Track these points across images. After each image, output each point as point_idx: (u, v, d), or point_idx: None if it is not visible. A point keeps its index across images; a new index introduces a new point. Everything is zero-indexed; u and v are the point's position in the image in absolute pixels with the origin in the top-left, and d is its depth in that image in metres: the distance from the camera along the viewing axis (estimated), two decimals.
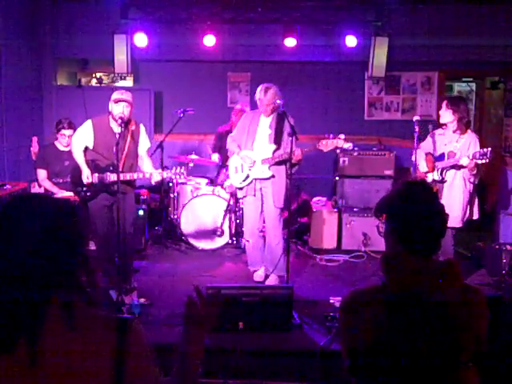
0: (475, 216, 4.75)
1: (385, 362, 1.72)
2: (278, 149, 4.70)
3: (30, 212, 1.36)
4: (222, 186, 6.00)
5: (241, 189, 4.90)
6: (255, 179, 4.78)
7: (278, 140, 4.71)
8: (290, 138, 4.37)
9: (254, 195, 4.81)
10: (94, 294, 1.38)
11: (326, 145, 4.54)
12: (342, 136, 4.53)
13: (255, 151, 4.78)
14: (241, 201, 5.86)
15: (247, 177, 4.81)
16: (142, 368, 1.36)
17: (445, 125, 4.74)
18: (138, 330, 1.37)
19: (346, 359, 1.81)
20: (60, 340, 1.29)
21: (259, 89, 4.72)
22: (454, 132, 4.67)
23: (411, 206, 1.83)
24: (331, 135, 4.57)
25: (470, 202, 4.68)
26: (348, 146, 4.59)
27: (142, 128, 4.90)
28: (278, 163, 4.68)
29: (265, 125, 4.80)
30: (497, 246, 5.05)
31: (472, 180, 4.59)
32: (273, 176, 4.71)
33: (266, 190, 4.77)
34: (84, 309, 1.34)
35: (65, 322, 1.29)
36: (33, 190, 5.69)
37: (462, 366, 1.74)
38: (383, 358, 1.71)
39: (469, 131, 4.69)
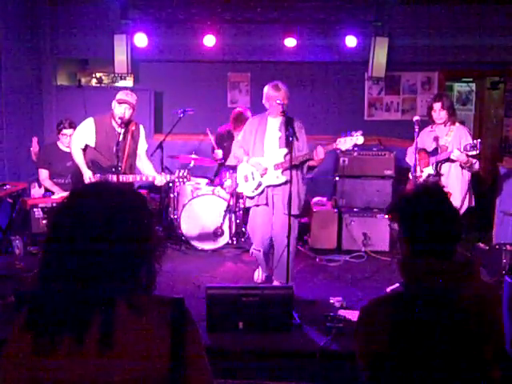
0: (472, 203, 4.84)
1: (408, 367, 1.69)
2: (289, 153, 4.33)
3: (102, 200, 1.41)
4: (221, 185, 5.99)
5: (252, 198, 4.61)
6: (267, 186, 4.52)
7: (288, 143, 4.36)
8: (291, 139, 4.25)
9: (267, 204, 4.51)
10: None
11: (345, 142, 4.31)
12: (360, 132, 4.30)
13: (266, 157, 4.52)
14: (241, 201, 5.89)
15: (259, 184, 4.52)
16: (198, 349, 1.42)
17: (433, 121, 4.83)
18: (189, 311, 1.44)
19: (366, 369, 1.76)
20: (129, 326, 1.35)
21: (267, 88, 4.45)
22: (445, 125, 4.77)
23: (427, 208, 1.80)
24: (348, 132, 4.34)
25: (469, 192, 4.75)
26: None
27: (142, 129, 4.95)
28: (291, 167, 4.32)
29: (273, 128, 4.55)
30: (497, 246, 5.05)
31: (471, 170, 4.67)
32: (286, 182, 4.38)
33: (278, 196, 4.50)
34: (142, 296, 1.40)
35: (133, 308, 1.36)
36: (33, 190, 5.69)
37: (487, 364, 1.72)
38: (406, 364, 1.69)
39: (457, 124, 4.78)
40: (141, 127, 4.94)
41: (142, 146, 4.95)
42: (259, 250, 4.69)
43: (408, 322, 1.70)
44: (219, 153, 6.25)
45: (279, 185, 4.47)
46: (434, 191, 1.91)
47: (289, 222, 4.25)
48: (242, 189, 4.72)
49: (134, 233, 1.40)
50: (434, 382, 1.70)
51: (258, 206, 4.58)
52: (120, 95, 4.71)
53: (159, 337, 1.35)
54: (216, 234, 5.82)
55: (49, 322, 1.35)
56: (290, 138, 4.26)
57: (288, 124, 4.39)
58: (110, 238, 1.36)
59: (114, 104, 4.70)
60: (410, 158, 4.92)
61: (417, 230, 1.80)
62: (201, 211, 5.86)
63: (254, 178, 4.57)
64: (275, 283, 4.66)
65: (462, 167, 4.72)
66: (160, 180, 4.81)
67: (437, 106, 4.73)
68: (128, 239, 1.38)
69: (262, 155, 4.54)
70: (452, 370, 1.69)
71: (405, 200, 1.92)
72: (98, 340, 1.32)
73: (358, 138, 4.30)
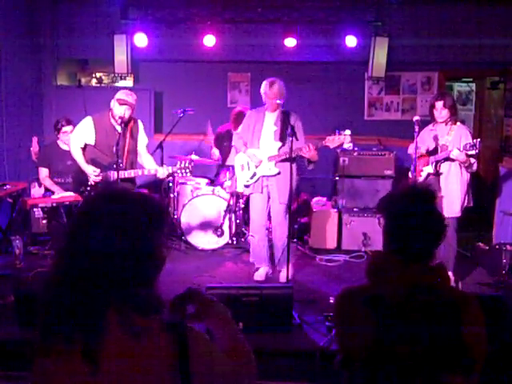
0: (470, 203, 4.85)
1: (372, 359, 1.73)
2: (283, 146, 4.72)
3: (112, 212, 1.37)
4: (221, 185, 5.99)
5: (247, 186, 4.92)
6: (262, 176, 4.81)
7: (283, 137, 4.71)
8: (290, 138, 4.43)
9: (261, 192, 4.83)
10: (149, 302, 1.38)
11: (333, 141, 4.54)
12: (348, 132, 4.54)
13: (261, 149, 4.80)
14: (241, 201, 5.90)
15: (254, 174, 4.83)
16: (207, 370, 1.36)
17: (435, 120, 4.83)
18: (196, 335, 1.37)
19: (339, 353, 1.83)
20: (120, 346, 1.29)
21: (264, 83, 4.72)
22: (446, 124, 4.77)
23: (410, 209, 1.82)
24: (337, 131, 4.60)
25: (468, 191, 4.76)
26: (348, 145, 4.63)
27: (141, 124, 4.96)
28: (284, 160, 4.68)
29: (270, 122, 4.80)
30: (497, 246, 5.05)
31: (469, 170, 4.69)
32: (279, 173, 4.74)
33: (272, 186, 4.79)
34: (141, 316, 1.34)
35: (125, 329, 1.30)
36: (33, 190, 5.69)
37: (446, 370, 1.71)
38: (371, 355, 1.72)
39: (459, 123, 4.79)
40: (139, 123, 4.95)
41: (142, 141, 4.97)
42: (253, 236, 4.97)
43: (372, 320, 1.72)
44: (216, 152, 6.27)
45: (272, 176, 4.77)
46: (422, 192, 1.91)
47: (289, 218, 4.48)
48: (238, 177, 5.02)
49: (140, 247, 1.37)
50: (395, 378, 1.71)
51: (252, 193, 4.90)
52: (120, 95, 4.70)
53: (161, 366, 1.30)
54: (216, 234, 5.82)
55: (44, 327, 1.33)
56: (290, 138, 4.45)
57: (286, 121, 4.65)
58: (116, 247, 1.33)
59: (114, 104, 4.70)
60: (412, 150, 4.92)
61: (399, 228, 1.82)
62: (201, 211, 5.86)
63: (249, 168, 4.86)
64: (283, 273, 4.81)
65: (462, 167, 4.73)
66: (162, 172, 4.82)
67: (439, 104, 4.72)
68: (133, 251, 1.35)
69: (258, 147, 4.81)
70: (413, 373, 1.70)
71: (392, 198, 1.93)
72: (82, 355, 1.28)
73: (345, 138, 4.52)
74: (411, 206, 1.83)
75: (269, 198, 4.86)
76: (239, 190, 5.67)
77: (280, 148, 4.74)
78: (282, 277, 4.80)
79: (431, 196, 1.92)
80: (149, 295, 1.38)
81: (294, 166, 4.64)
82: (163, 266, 1.47)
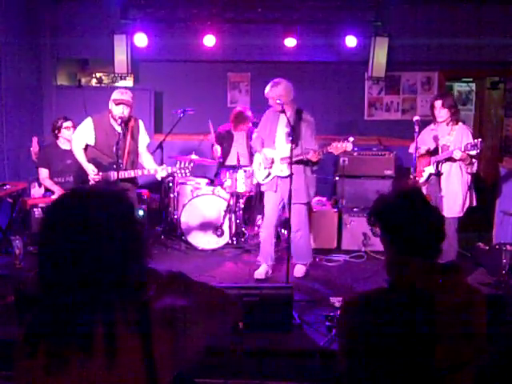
0: (473, 203, 4.87)
1: (386, 364, 1.71)
2: (295, 148, 4.74)
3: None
4: (222, 185, 5.99)
5: (262, 184, 5.09)
6: (276, 176, 4.93)
7: (294, 139, 4.71)
8: (290, 138, 4.46)
9: (275, 191, 4.93)
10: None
11: (336, 148, 4.65)
12: (351, 139, 4.63)
13: (277, 149, 4.92)
14: (241, 201, 5.90)
15: (269, 174, 4.97)
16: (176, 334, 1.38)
17: (435, 119, 4.84)
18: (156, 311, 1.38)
19: (344, 361, 1.80)
20: (129, 340, 1.32)
21: (267, 87, 4.81)
22: (447, 124, 4.80)
23: (407, 211, 1.83)
24: (341, 138, 4.68)
25: (469, 191, 4.78)
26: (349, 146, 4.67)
27: (141, 124, 4.96)
28: (297, 162, 4.73)
29: (283, 124, 4.87)
30: (497, 246, 5.05)
31: (469, 170, 4.69)
32: (291, 174, 4.74)
33: (284, 187, 4.84)
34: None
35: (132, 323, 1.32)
36: (33, 190, 5.70)
37: (463, 366, 1.73)
38: (384, 361, 1.71)
39: (460, 123, 4.82)
40: (140, 122, 4.96)
41: (143, 141, 4.97)
42: (262, 231, 5.12)
43: (390, 320, 1.71)
44: (218, 149, 6.25)
45: (285, 177, 4.81)
46: (412, 193, 1.94)
47: (289, 213, 4.57)
48: (255, 175, 5.20)
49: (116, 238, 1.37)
50: (409, 381, 1.70)
51: (266, 190, 5.04)
52: (115, 95, 4.72)
53: (131, 345, 1.32)
54: (216, 234, 5.82)
55: (54, 334, 1.33)
56: (290, 138, 4.50)
57: (301, 120, 4.78)
58: (93, 243, 1.34)
59: (112, 105, 4.71)
60: (413, 149, 4.94)
61: (399, 233, 1.83)
62: (201, 211, 5.86)
63: (264, 167, 4.98)
64: (297, 267, 5.02)
65: (461, 167, 4.74)
66: (161, 173, 4.83)
67: (438, 103, 4.76)
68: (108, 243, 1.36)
69: (274, 147, 4.94)
70: (430, 371, 1.69)
71: (385, 204, 1.93)
72: (104, 352, 1.29)
73: (346, 146, 4.64)
74: (407, 207, 1.84)
75: (282, 197, 4.94)
76: (240, 189, 5.70)
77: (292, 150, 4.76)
78: (297, 272, 4.99)
79: (420, 192, 1.96)
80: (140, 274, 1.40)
81: (306, 166, 4.82)
82: (146, 251, 1.46)
